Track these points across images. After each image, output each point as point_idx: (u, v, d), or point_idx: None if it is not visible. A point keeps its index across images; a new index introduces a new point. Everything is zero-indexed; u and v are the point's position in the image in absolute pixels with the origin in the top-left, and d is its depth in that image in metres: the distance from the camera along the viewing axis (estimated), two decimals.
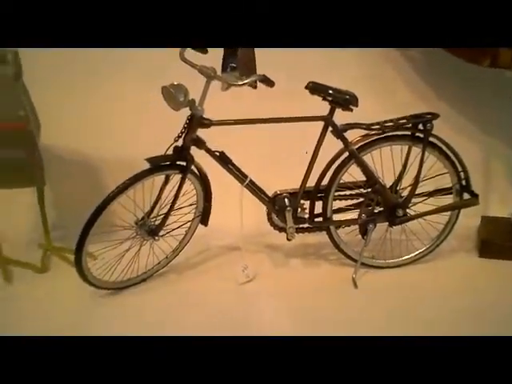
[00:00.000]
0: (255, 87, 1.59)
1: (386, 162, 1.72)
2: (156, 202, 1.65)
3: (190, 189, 1.72)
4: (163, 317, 1.57)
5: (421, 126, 1.67)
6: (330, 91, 1.60)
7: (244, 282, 1.74)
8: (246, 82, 1.50)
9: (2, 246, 1.89)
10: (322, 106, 1.65)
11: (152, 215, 1.66)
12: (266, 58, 1.62)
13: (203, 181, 1.72)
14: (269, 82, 1.54)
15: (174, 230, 1.73)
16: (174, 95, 1.46)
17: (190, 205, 1.75)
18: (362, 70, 2.11)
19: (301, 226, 1.79)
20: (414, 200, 1.77)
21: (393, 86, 2.18)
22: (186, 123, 1.57)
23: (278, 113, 1.64)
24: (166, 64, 1.74)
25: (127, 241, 1.66)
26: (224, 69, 1.59)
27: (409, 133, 1.70)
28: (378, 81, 2.17)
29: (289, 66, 2.02)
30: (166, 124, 1.60)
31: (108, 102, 2.11)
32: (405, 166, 1.75)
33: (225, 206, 1.76)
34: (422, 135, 1.68)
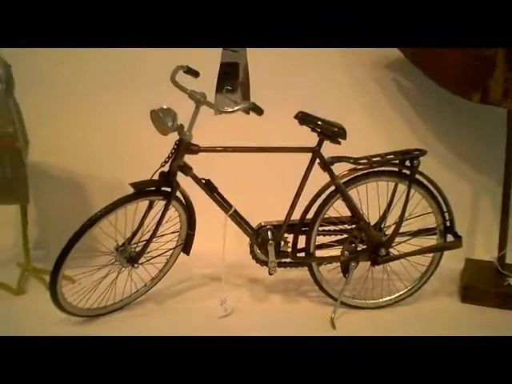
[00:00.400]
0: (248, 112, 1.59)
1: (371, 198, 1.72)
2: (138, 228, 1.61)
3: (174, 216, 1.70)
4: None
5: (408, 163, 1.67)
6: (319, 122, 1.60)
7: (222, 315, 1.69)
8: (235, 109, 1.50)
9: None
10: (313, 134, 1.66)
11: (133, 241, 1.62)
12: (259, 79, 1.62)
13: (188, 208, 1.69)
14: (258, 111, 1.54)
15: (154, 257, 1.69)
16: (162, 119, 1.45)
17: (173, 232, 1.71)
18: (354, 98, 2.13)
19: (283, 260, 1.76)
20: (397, 239, 1.76)
21: (385, 117, 2.19)
22: (174, 148, 1.56)
23: (268, 138, 1.64)
24: (158, 85, 1.73)
25: (105, 267, 1.61)
26: (219, 90, 1.58)
27: (396, 169, 1.70)
28: (370, 111, 2.19)
29: (283, 91, 2.03)
30: (155, 148, 1.58)
31: (97, 123, 2.10)
32: (390, 204, 1.75)
33: (208, 235, 1.73)
34: (408, 172, 1.68)
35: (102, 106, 2.09)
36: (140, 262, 1.63)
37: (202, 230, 1.77)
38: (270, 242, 1.69)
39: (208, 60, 1.63)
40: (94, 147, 2.13)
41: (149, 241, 1.61)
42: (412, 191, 1.70)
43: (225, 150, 1.60)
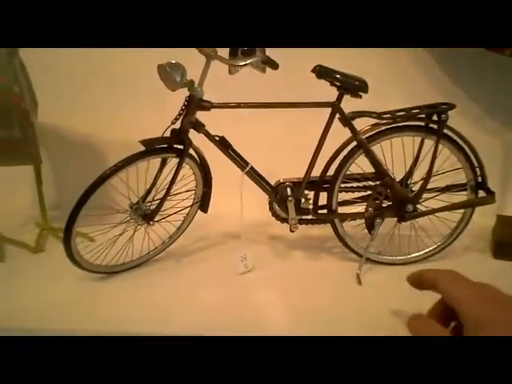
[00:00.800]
0: (264, 71, 1.50)
1: (396, 153, 1.62)
2: (152, 187, 1.58)
3: (189, 173, 1.66)
4: (160, 303, 1.50)
5: (435, 117, 1.55)
6: (339, 76, 1.49)
7: (242, 272, 1.67)
8: (247, 62, 1.41)
9: (0, 223, 1.87)
10: (331, 93, 1.55)
11: (147, 200, 1.59)
12: None
13: (202, 165, 1.65)
14: (272, 64, 1.45)
15: (170, 215, 1.66)
16: (170, 74, 1.38)
17: (188, 190, 1.68)
18: (375, 56, 1.99)
19: (304, 217, 1.71)
20: (425, 195, 1.66)
21: (407, 74, 2.05)
22: (184, 105, 1.49)
23: (285, 94, 1.54)
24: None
25: (120, 225, 1.60)
26: (232, 54, 1.48)
27: (422, 124, 1.59)
28: (391, 68, 2.04)
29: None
30: (168, 105, 1.52)
31: (108, 81, 2.05)
32: (416, 159, 1.64)
33: (227, 193, 1.68)
34: (435, 127, 1.56)
35: (114, 64, 2.02)
36: (156, 219, 1.62)
37: (220, 189, 1.73)
38: (290, 198, 1.63)
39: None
40: (107, 106, 2.08)
41: (163, 199, 1.59)
42: (440, 147, 1.58)
43: (239, 106, 1.52)
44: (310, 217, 1.71)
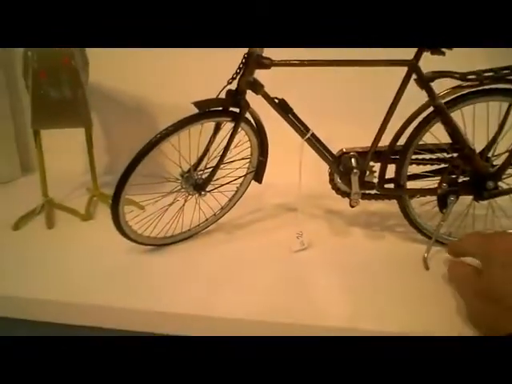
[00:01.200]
0: None
1: (478, 121, 1.42)
2: (204, 154, 1.46)
3: (244, 140, 1.53)
4: (211, 277, 1.39)
5: None
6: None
7: (298, 249, 1.54)
8: None
9: (51, 189, 1.81)
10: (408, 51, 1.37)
11: (199, 167, 1.48)
12: None
13: (259, 131, 1.51)
14: None
15: (223, 185, 1.54)
16: None
17: (242, 159, 1.55)
18: None
19: (367, 191, 1.55)
20: (509, 171, 1.47)
21: None
22: (242, 63, 1.35)
23: (352, 50, 1.37)
24: None
25: (171, 194, 1.49)
26: None
27: None
28: None
29: None
30: (224, 63, 1.38)
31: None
32: (501, 128, 1.44)
33: (283, 163, 1.55)
34: None
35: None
36: (207, 189, 1.50)
37: (276, 158, 1.60)
38: (355, 170, 1.47)
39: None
40: (159, 66, 1.97)
41: (216, 167, 1.46)
42: None
43: (302, 63, 1.36)
44: (374, 191, 1.56)
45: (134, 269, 1.43)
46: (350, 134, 1.53)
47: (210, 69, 1.68)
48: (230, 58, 1.36)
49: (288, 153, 1.48)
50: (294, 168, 1.47)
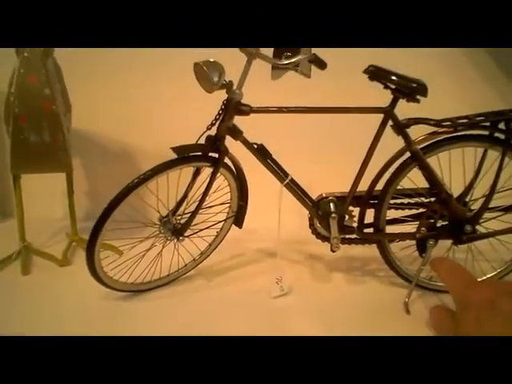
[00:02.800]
0: (308, 75, 1.36)
1: (454, 166, 1.45)
2: (183, 198, 1.45)
3: (224, 185, 1.53)
4: (187, 325, 1.36)
5: (502, 126, 1.38)
6: (394, 77, 1.34)
7: (277, 295, 1.51)
8: (292, 60, 1.28)
9: (30, 233, 1.78)
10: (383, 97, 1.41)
11: (177, 213, 1.46)
12: None
13: (239, 176, 1.51)
14: (320, 64, 1.31)
15: (202, 230, 1.53)
16: (207, 74, 1.26)
17: (222, 203, 1.54)
18: (434, 60, 1.83)
19: (347, 236, 1.55)
20: (486, 215, 1.48)
21: (469, 80, 1.88)
22: (222, 109, 1.37)
23: (332, 98, 1.41)
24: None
25: (148, 239, 1.47)
26: (276, 55, 1.35)
27: (486, 132, 1.41)
28: (451, 73, 1.88)
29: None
30: (204, 109, 1.40)
31: (142, 87, 1.97)
32: (477, 173, 1.47)
33: (264, 207, 1.55)
34: (502, 136, 1.39)
35: (148, 67, 1.94)
36: (186, 234, 1.48)
37: (256, 203, 1.60)
38: (333, 215, 1.48)
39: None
40: (141, 112, 2.00)
41: (195, 212, 1.45)
42: (506, 159, 1.41)
43: (280, 110, 1.38)
44: (354, 236, 1.55)
45: (109, 317, 1.39)
46: (330, 179, 1.54)
47: (191, 115, 1.69)
48: (210, 104, 1.38)
49: (269, 198, 1.49)
50: (275, 213, 1.47)
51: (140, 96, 1.99)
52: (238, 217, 1.59)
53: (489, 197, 1.44)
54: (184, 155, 1.35)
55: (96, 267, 1.36)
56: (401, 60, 1.43)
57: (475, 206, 1.49)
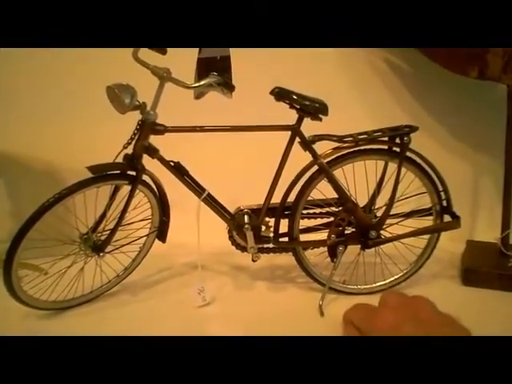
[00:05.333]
0: (230, 96, 1.45)
1: (359, 178, 1.57)
2: (103, 216, 1.49)
3: (144, 201, 1.58)
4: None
5: (398, 140, 1.52)
6: (297, 98, 1.45)
7: (200, 305, 1.58)
8: (201, 84, 1.36)
9: None
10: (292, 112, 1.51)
11: (98, 230, 1.50)
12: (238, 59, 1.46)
13: (159, 193, 1.57)
14: (229, 86, 1.40)
15: (123, 246, 1.57)
16: (118, 96, 1.32)
17: (142, 220, 1.59)
18: (341, 75, 1.98)
19: (265, 245, 1.64)
20: (389, 221, 1.62)
21: (374, 95, 2.03)
22: (137, 128, 1.43)
23: (243, 117, 1.49)
24: (120, 64, 1.58)
25: (68, 257, 1.50)
26: (200, 77, 1.43)
27: (385, 147, 1.55)
28: (357, 87, 2.03)
29: (259, 65, 1.89)
30: (122, 128, 1.45)
31: (57, 104, 1.99)
32: (380, 184, 1.60)
33: (186, 221, 1.60)
34: (398, 150, 1.53)
35: (63, 83, 1.96)
36: (107, 250, 1.52)
37: (180, 217, 1.65)
38: (246, 226, 1.56)
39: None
40: (57, 129, 2.01)
41: (114, 229, 1.50)
42: (403, 170, 1.55)
43: (194, 129, 1.46)
44: (271, 245, 1.65)
45: (31, 336, 1.40)
46: (248, 192, 1.62)
47: (109, 133, 1.73)
48: (128, 123, 1.44)
49: (191, 212, 1.56)
50: (200, 226, 1.54)
51: (57, 115, 2.00)
52: (160, 232, 1.64)
53: (389, 205, 1.57)
54: (100, 174, 1.39)
55: (14, 287, 1.38)
56: (306, 79, 1.54)
57: (379, 214, 1.63)
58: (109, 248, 1.53)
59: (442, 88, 1.97)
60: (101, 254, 1.50)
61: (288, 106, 1.49)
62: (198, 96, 1.46)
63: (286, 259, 1.79)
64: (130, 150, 1.46)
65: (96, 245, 1.49)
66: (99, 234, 1.51)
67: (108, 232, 1.50)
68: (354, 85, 2.03)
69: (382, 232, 1.62)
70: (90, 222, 1.51)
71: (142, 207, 1.58)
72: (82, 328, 1.46)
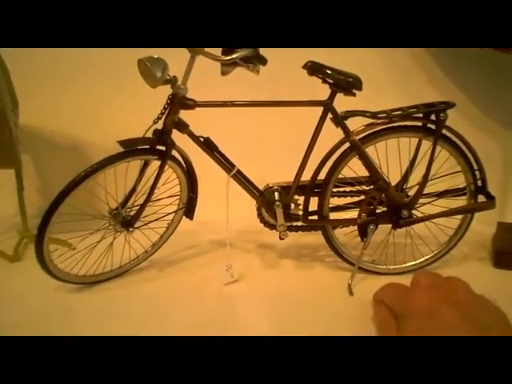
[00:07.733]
0: (257, 72, 1.41)
1: (391, 155, 1.53)
2: (132, 191, 1.49)
3: (173, 177, 1.57)
4: (141, 315, 1.41)
5: (433, 117, 1.47)
6: (331, 72, 1.41)
7: (228, 282, 1.57)
8: (234, 56, 1.33)
9: None
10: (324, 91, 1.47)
11: (127, 205, 1.50)
12: None
13: (187, 169, 1.56)
14: (261, 60, 1.37)
15: (151, 222, 1.57)
16: (150, 70, 1.29)
17: (170, 196, 1.58)
18: (371, 53, 1.92)
19: (294, 223, 1.62)
20: (422, 200, 1.58)
21: (405, 73, 1.98)
22: (167, 103, 1.40)
23: (274, 92, 1.47)
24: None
25: (98, 232, 1.50)
26: (225, 53, 1.40)
27: (419, 124, 1.51)
28: (388, 66, 1.98)
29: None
30: (152, 103, 1.43)
31: (88, 81, 1.98)
32: (413, 162, 1.56)
33: (214, 198, 1.58)
34: (434, 127, 1.48)
35: (95, 63, 1.95)
36: (136, 226, 1.52)
37: (207, 194, 1.64)
38: (277, 203, 1.54)
39: None
40: (88, 106, 2.00)
41: (144, 204, 1.49)
42: (438, 148, 1.50)
43: (225, 104, 1.43)
44: (300, 223, 1.63)
45: (62, 308, 1.42)
46: (277, 169, 1.60)
47: (139, 109, 1.72)
48: (157, 98, 1.42)
49: (219, 189, 1.54)
50: (225, 204, 1.52)
51: (88, 91, 2.00)
52: (188, 209, 1.63)
53: (423, 184, 1.54)
54: (131, 148, 1.38)
55: (46, 260, 1.38)
56: (338, 56, 1.49)
57: (411, 193, 1.59)
58: (138, 224, 1.53)
59: (474, 65, 1.91)
60: (130, 230, 1.50)
61: (321, 81, 1.45)
62: (223, 72, 1.42)
63: (313, 238, 1.78)
64: (159, 126, 1.44)
65: (125, 220, 1.49)
66: (128, 210, 1.50)
67: (137, 207, 1.50)
68: (385, 61, 1.98)
69: (413, 212, 1.59)
70: (119, 197, 1.50)
71: (170, 183, 1.57)
72: (109, 303, 1.46)
